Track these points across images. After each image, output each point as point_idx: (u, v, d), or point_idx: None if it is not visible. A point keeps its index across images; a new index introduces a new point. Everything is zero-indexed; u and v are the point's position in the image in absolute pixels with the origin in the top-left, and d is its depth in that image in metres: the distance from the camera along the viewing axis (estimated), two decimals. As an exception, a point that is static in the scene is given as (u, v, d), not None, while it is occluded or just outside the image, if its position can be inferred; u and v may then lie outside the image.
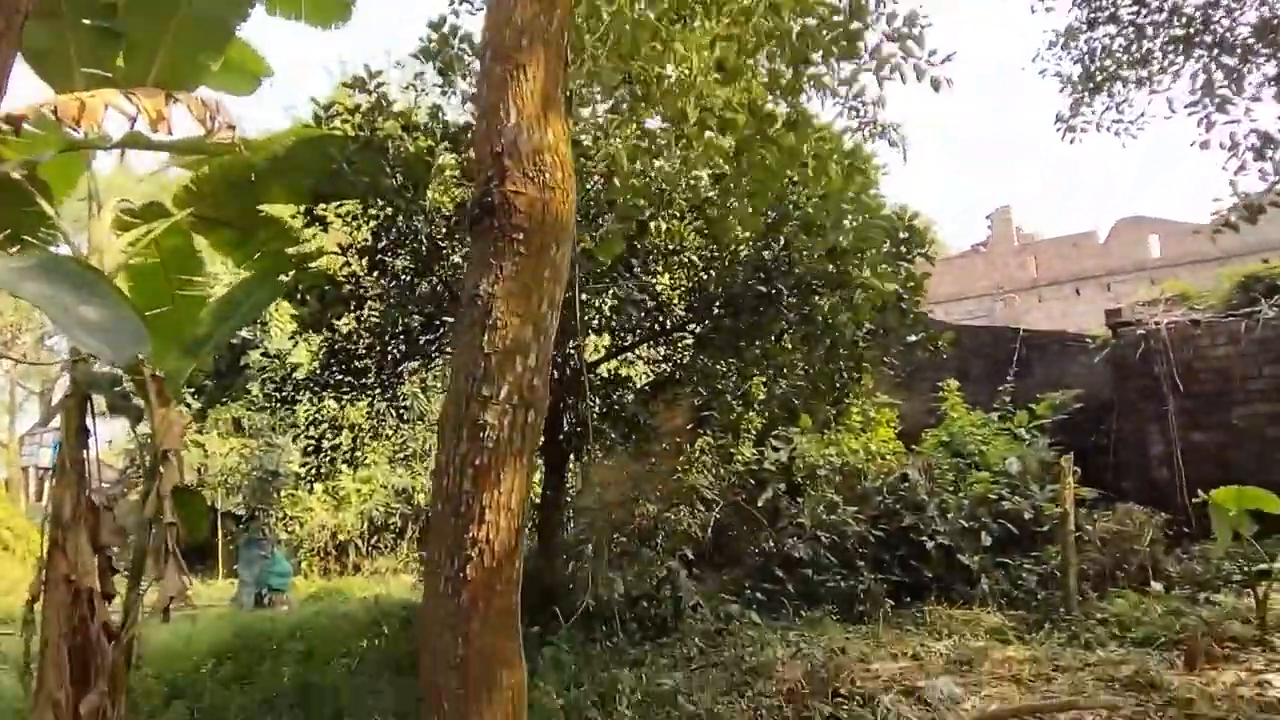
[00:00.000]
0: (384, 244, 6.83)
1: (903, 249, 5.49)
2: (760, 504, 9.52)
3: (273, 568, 12.05)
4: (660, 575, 8.07)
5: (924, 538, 7.75)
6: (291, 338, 7.79)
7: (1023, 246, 24.80)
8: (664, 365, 9.01)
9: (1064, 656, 5.77)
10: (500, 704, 2.52)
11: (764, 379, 7.87)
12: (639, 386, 9.71)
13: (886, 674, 5.67)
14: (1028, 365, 10.64)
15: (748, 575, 8.59)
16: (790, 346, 6.43)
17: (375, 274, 6.93)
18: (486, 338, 2.63)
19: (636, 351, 9.04)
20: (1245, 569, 6.87)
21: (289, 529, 14.77)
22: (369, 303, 7.03)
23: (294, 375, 8.07)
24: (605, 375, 8.65)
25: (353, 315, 7.12)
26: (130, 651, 4.38)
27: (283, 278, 6.41)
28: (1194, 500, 6.14)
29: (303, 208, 6.46)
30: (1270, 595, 5.64)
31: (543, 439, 8.45)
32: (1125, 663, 5.41)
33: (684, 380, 8.57)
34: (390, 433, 15.37)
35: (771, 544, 8.99)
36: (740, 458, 10.10)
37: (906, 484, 8.50)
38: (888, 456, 9.21)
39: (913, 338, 5.67)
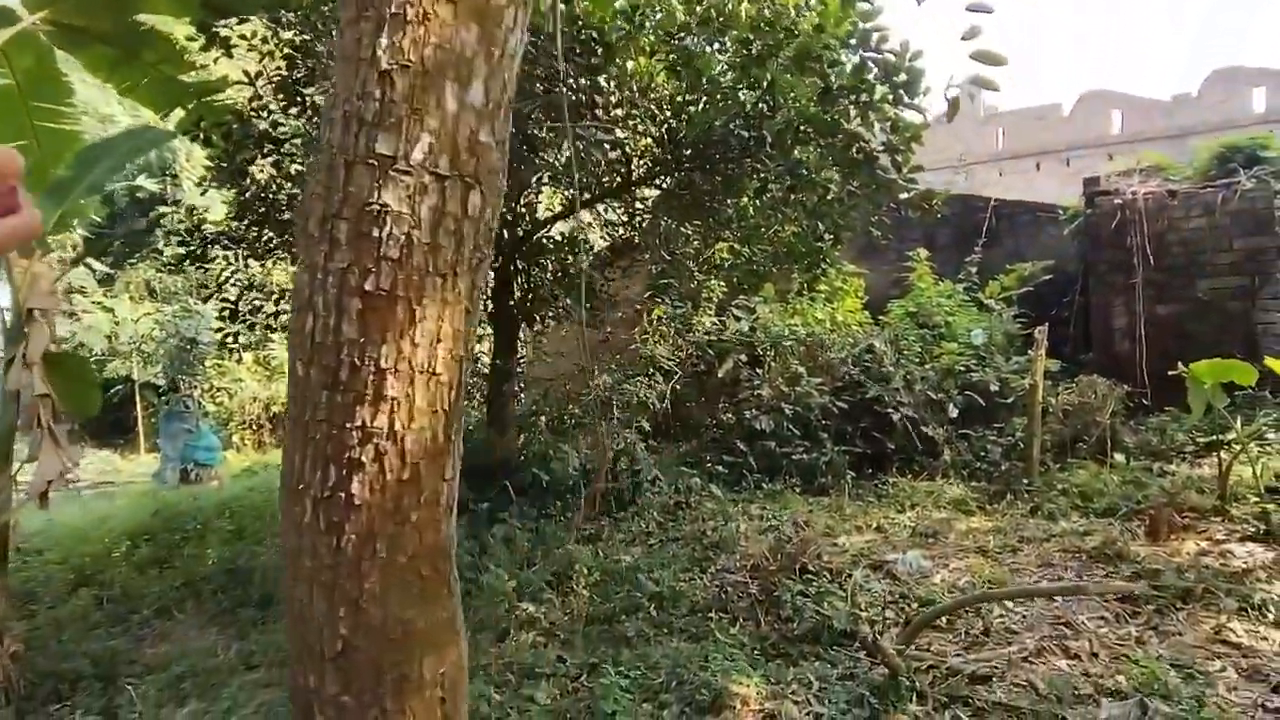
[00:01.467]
0: (300, 74, 5.80)
1: (902, 94, 4.79)
2: (721, 375, 9.18)
3: (199, 441, 11.36)
4: (617, 448, 7.73)
5: (888, 409, 7.54)
6: (199, 184, 6.77)
7: (987, 118, 24.08)
8: (623, 229, 8.31)
9: (1028, 528, 5.70)
10: (422, 712, 1.55)
11: (731, 243, 7.27)
12: (596, 251, 9.02)
13: (853, 547, 5.51)
14: (995, 236, 10.29)
15: (707, 448, 8.35)
16: (770, 205, 5.80)
17: (293, 110, 5.93)
18: (386, 40, 1.47)
19: (594, 213, 8.28)
20: (1197, 440, 6.90)
21: (216, 400, 13.96)
22: (287, 144, 6.06)
23: (203, 229, 7.10)
24: (560, 238, 7.92)
25: (268, 160, 6.15)
26: (4, 543, 3.77)
27: (180, 111, 5.40)
28: (1169, 373, 5.95)
29: (199, 24, 5.33)
30: (1230, 464, 5.57)
31: (492, 304, 7.86)
32: (1090, 533, 5.35)
33: (644, 245, 7.92)
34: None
35: (732, 416, 8.74)
36: (700, 327, 9.67)
37: (872, 355, 8.22)
38: (853, 327, 8.88)
39: (904, 196, 5.09)
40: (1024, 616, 4.24)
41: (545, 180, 7.12)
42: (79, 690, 4.10)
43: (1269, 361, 5.67)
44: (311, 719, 1.51)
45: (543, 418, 8.18)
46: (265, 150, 5.96)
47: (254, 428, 13.88)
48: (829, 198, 5.23)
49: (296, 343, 1.54)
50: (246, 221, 6.72)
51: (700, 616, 4.70)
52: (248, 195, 6.32)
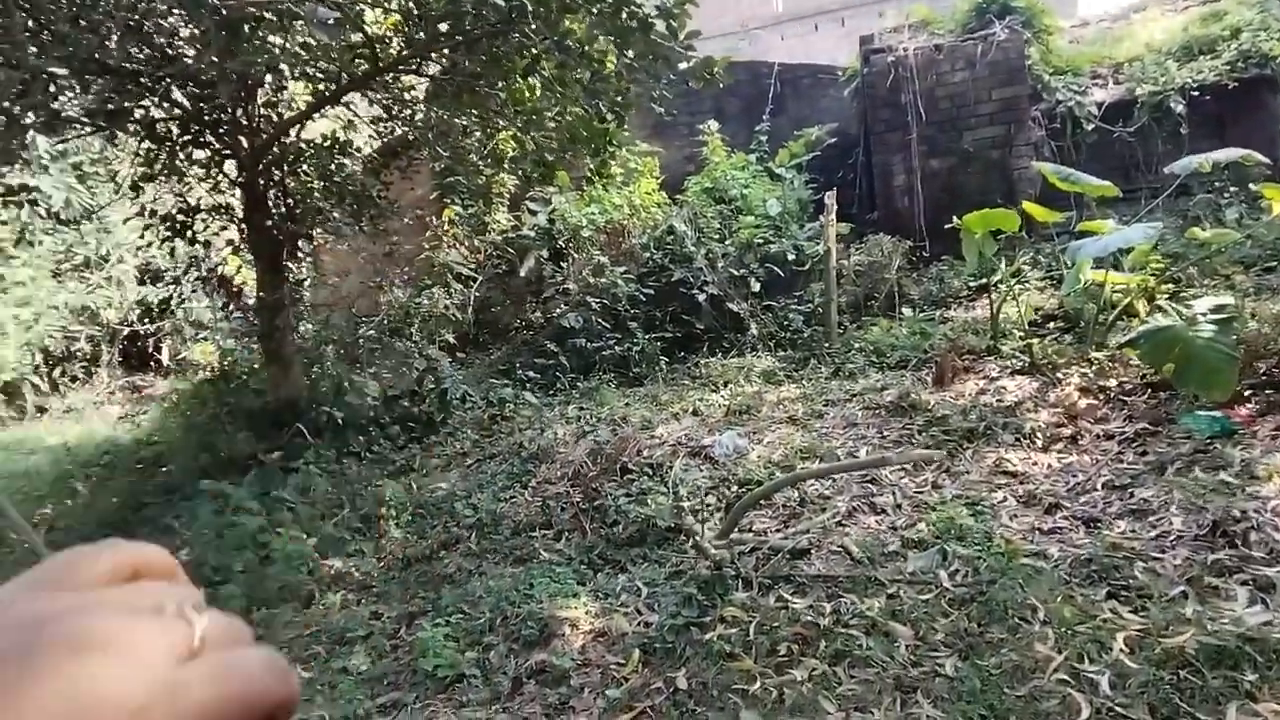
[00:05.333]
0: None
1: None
2: (523, 274, 8.70)
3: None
4: (420, 368, 7.16)
5: (694, 290, 7.49)
6: None
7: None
8: (392, 124, 7.33)
9: (831, 390, 5.93)
10: None
11: (513, 132, 6.61)
12: (366, 154, 7.97)
13: (671, 437, 5.46)
14: (781, 102, 10.29)
15: (519, 353, 7.96)
16: (544, 85, 5.22)
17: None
18: None
19: (355, 110, 7.21)
20: (970, 285, 7.49)
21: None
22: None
23: None
24: (321, 141, 6.85)
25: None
26: None
27: None
28: (947, 226, 6.27)
29: None
30: (1000, 306, 6.05)
31: (245, 228, 6.75)
32: (886, 388, 5.64)
33: (419, 142, 7.05)
34: (43, 237, 12.03)
35: (540, 316, 8.36)
36: (495, 226, 9.03)
37: (673, 236, 8.07)
38: (652, 209, 8.64)
39: (684, 65, 4.72)
40: (834, 482, 4.38)
41: (286, 75, 6.00)
42: None
43: (1026, 206, 6.11)
44: None
45: (328, 347, 7.35)
46: None
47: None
48: (605, 73, 4.75)
49: None
50: None
51: (524, 537, 4.47)
52: None
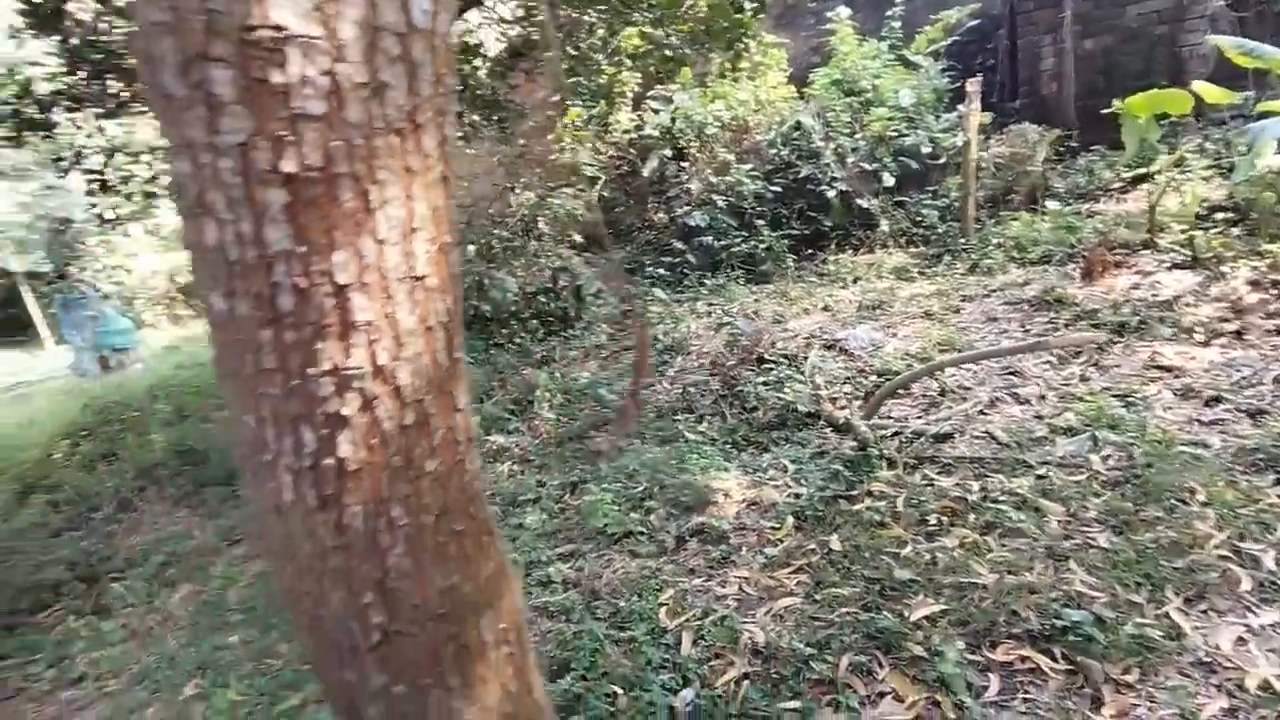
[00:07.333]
0: None
1: None
2: (646, 174, 8.78)
3: (109, 326, 10.56)
4: (553, 266, 7.50)
5: (822, 186, 7.38)
6: (13, 36, 5.65)
7: None
8: (519, 26, 7.43)
9: (968, 285, 5.84)
10: (491, 677, 1.29)
11: (642, 27, 6.58)
12: (493, 56, 8.14)
13: (804, 330, 5.58)
14: (916, -18, 9.60)
15: (644, 252, 8.16)
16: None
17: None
18: None
19: (482, 10, 7.34)
20: (1123, 176, 7.00)
21: (115, 281, 12.87)
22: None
23: (32, 90, 6.06)
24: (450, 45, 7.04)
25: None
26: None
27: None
28: (1104, 111, 5.86)
29: None
30: (1159, 197, 5.68)
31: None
32: (1028, 283, 5.50)
33: (546, 42, 7.13)
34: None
35: (664, 216, 8.48)
36: (617, 126, 9.09)
37: (800, 131, 7.89)
38: (778, 104, 8.43)
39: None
40: (975, 373, 4.42)
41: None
42: (63, 596, 4.02)
43: (1197, 87, 5.60)
44: (359, 716, 1.23)
45: (470, 246, 7.78)
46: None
47: (163, 302, 12.97)
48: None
49: (201, 265, 1.00)
50: (83, 74, 5.73)
51: (668, 420, 4.77)
52: (76, 41, 5.33)
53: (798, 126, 7.94)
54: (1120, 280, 5.22)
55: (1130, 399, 3.75)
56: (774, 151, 7.95)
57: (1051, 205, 6.64)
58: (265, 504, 1.13)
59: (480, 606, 1.27)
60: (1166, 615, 2.36)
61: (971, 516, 3.04)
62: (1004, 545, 2.84)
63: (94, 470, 5.69)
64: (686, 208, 7.92)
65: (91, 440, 6.26)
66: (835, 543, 3.05)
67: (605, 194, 8.91)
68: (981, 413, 3.97)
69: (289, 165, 0.93)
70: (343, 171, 0.96)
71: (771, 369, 4.99)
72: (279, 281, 0.97)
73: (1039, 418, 3.78)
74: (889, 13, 9.30)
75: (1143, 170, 6.64)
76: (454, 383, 1.18)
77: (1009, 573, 2.66)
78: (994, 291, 5.56)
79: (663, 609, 2.81)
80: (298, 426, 1.04)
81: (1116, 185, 6.93)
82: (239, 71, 0.89)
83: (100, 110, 6.06)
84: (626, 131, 9.07)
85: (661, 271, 7.56)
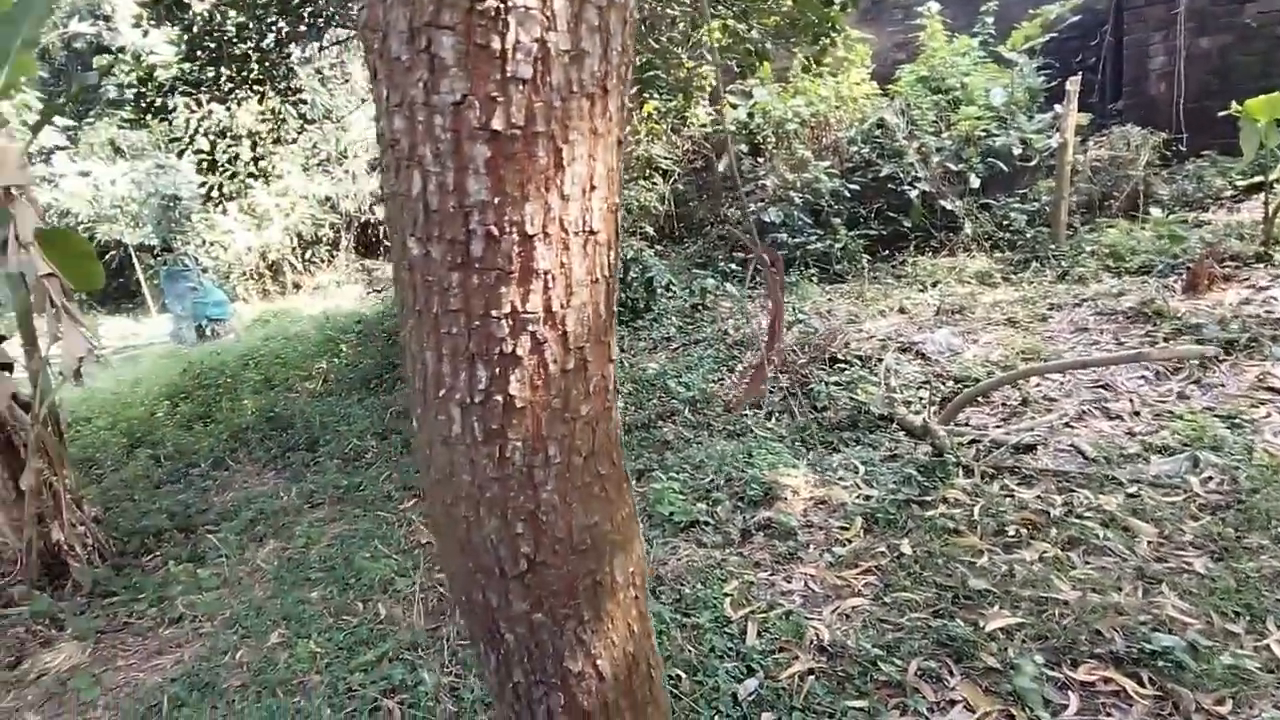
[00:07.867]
0: None
1: None
2: (721, 169, 8.73)
3: (207, 298, 11.23)
4: (625, 256, 7.54)
5: (904, 186, 7.19)
6: (136, 24, 6.01)
7: None
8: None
9: (1057, 294, 5.59)
10: (619, 615, 1.41)
11: (725, 19, 6.52)
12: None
13: (879, 332, 5.46)
14: (1014, -23, 9.22)
15: (716, 246, 8.12)
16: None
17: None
18: None
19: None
20: (1236, 185, 6.59)
21: (213, 255, 13.62)
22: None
23: (155, 77, 6.44)
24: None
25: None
26: (56, 420, 3.79)
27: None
28: (1220, 114, 5.52)
29: None
30: (1278, 207, 5.32)
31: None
32: (1124, 294, 5.24)
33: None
34: (294, 136, 13.59)
35: (736, 210, 8.41)
36: (695, 120, 9.05)
37: (882, 129, 7.71)
38: (860, 101, 8.25)
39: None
40: (1061, 384, 4.24)
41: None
42: (164, 542, 4.30)
43: (1326, 89, 5.23)
44: (498, 637, 1.36)
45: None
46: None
47: (254, 277, 13.66)
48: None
49: (403, 212, 1.13)
50: (199, 62, 6.07)
51: (735, 414, 4.76)
52: (194, 30, 5.64)
53: (880, 124, 7.75)
54: (1229, 294, 4.91)
55: (1236, 420, 3.53)
56: (854, 149, 7.78)
57: (1154, 213, 6.30)
58: (432, 435, 1.26)
59: (615, 547, 1.38)
60: (1267, 648, 2.22)
61: (1053, 531, 2.93)
62: (1088, 563, 2.73)
63: (191, 429, 6.04)
64: (762, 203, 7.84)
65: (189, 402, 6.65)
66: (906, 547, 2.99)
67: (680, 187, 8.90)
68: (1068, 425, 3.81)
69: (497, 123, 1.04)
70: (541, 130, 1.07)
71: (844, 369, 4.90)
72: (474, 229, 1.09)
73: (1131, 434, 3.61)
74: (983, 8, 8.96)
75: (1259, 178, 6.22)
76: (609, 334, 1.28)
77: (1093, 591, 2.55)
78: (1085, 301, 5.31)
79: (727, 599, 2.81)
80: (474, 364, 1.16)
81: (1229, 193, 6.53)
82: (462, 38, 1.01)
83: (211, 95, 6.41)
84: (703, 126, 9.03)
85: (733, 267, 7.51)
